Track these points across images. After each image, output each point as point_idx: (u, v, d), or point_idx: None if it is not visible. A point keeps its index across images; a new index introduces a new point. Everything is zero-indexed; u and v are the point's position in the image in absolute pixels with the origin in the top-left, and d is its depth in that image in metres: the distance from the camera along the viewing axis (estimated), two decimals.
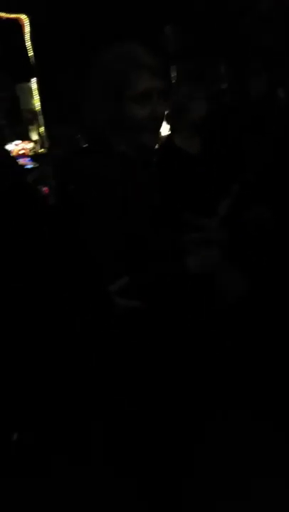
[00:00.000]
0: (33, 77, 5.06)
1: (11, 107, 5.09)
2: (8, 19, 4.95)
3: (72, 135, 4.67)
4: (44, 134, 5.02)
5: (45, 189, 4.24)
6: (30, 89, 5.06)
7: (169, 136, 2.09)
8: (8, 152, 3.09)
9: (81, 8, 4.94)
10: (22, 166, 4.04)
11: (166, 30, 4.77)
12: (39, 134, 5.08)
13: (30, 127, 5.22)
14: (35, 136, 5.16)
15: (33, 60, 5.06)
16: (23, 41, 5.04)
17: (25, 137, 5.01)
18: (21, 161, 4.50)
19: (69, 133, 4.64)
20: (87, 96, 1.04)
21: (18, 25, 5.02)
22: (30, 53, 5.05)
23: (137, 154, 1.03)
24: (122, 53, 0.98)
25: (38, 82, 5.08)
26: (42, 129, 5.03)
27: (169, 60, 4.63)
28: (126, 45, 0.98)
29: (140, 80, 0.95)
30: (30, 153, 4.72)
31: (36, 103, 5.08)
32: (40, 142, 5.04)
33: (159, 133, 1.03)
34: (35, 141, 5.01)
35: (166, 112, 1.07)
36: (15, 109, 5.05)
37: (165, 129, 4.46)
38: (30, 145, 4.88)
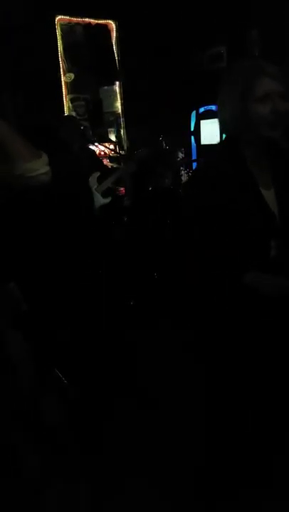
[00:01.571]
0: (117, 80, 5.21)
1: (94, 110, 5.28)
2: (97, 24, 5.15)
3: (150, 137, 4.75)
4: (124, 136, 5.15)
5: (121, 189, 4.34)
6: (113, 93, 5.22)
7: None
8: (90, 150, 3.15)
9: (166, 16, 5.02)
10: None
11: (252, 34, 4.70)
12: (120, 136, 5.22)
13: (110, 129, 5.38)
14: (114, 138, 5.30)
15: (118, 64, 5.21)
16: (110, 46, 5.20)
17: (107, 139, 5.17)
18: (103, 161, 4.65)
19: (147, 135, 4.73)
20: (220, 101, 1.28)
21: (106, 30, 5.20)
22: (116, 58, 5.21)
23: (263, 146, 1.24)
24: (247, 65, 1.23)
25: (121, 86, 5.22)
26: (122, 131, 5.16)
27: None
28: (251, 59, 1.38)
29: (261, 84, 1.18)
30: (110, 154, 4.86)
31: (118, 106, 5.23)
32: (120, 144, 5.18)
33: (282, 128, 1.21)
34: (115, 143, 5.15)
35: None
36: (97, 112, 5.22)
37: None
38: (111, 146, 5.02)
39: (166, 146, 4.42)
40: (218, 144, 1.34)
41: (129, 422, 1.92)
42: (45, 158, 1.25)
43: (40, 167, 1.23)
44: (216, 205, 1.23)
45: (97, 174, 3.24)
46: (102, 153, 4.92)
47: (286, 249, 1.28)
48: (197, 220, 1.27)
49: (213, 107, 4.65)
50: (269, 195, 1.28)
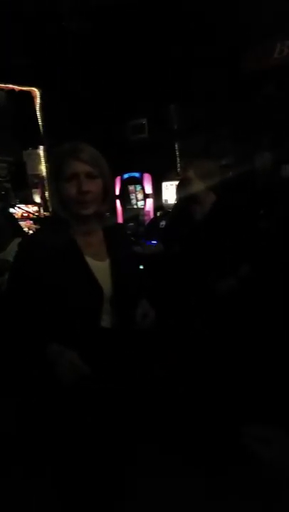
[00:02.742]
0: (40, 144, 5.23)
1: (16, 172, 5.21)
2: (20, 91, 5.21)
3: None
4: (48, 198, 5.09)
5: None
6: (37, 156, 5.21)
7: None
8: (11, 214, 3.09)
9: (88, 83, 5.25)
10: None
11: (171, 107, 5.04)
12: (43, 198, 5.15)
13: (34, 190, 5.31)
14: (38, 200, 5.22)
15: (41, 128, 5.26)
16: (34, 111, 5.27)
17: (30, 201, 5.07)
18: (25, 223, 4.51)
19: None
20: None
21: (29, 97, 5.27)
22: (40, 123, 5.26)
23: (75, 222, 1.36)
24: (61, 148, 1.33)
25: (45, 150, 5.24)
26: (47, 193, 5.11)
27: (174, 136, 4.86)
28: (69, 143, 1.33)
29: (69, 165, 1.28)
30: (33, 216, 4.74)
31: (43, 169, 5.21)
32: (44, 205, 5.10)
33: (88, 204, 1.31)
34: (38, 205, 5.06)
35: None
36: (21, 174, 5.15)
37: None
38: (35, 208, 4.92)
39: None
40: (50, 216, 1.43)
41: None
42: None
43: None
44: (41, 278, 1.26)
45: (19, 240, 3.11)
46: (25, 215, 4.80)
47: (118, 318, 1.35)
48: (20, 293, 1.29)
49: (136, 174, 4.81)
50: (103, 266, 1.34)
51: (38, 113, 5.31)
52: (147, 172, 4.74)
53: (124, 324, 1.34)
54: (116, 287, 1.33)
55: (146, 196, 4.76)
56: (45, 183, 5.20)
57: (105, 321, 1.30)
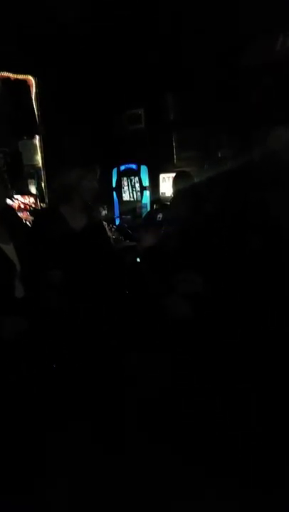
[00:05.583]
0: (37, 134, 5.17)
1: (12, 162, 5.16)
2: (16, 79, 5.13)
3: None
4: (45, 189, 5.07)
5: None
6: (33, 146, 5.16)
7: None
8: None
9: (85, 72, 5.18)
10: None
11: (168, 98, 5.00)
12: (40, 189, 5.12)
13: (30, 180, 5.27)
14: (34, 191, 5.19)
15: (38, 118, 5.19)
16: (30, 101, 5.19)
17: (27, 192, 5.04)
18: (22, 215, 4.50)
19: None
20: None
21: (25, 85, 5.19)
22: (36, 112, 5.20)
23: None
24: None
25: (42, 140, 5.19)
26: (43, 184, 5.08)
27: (170, 128, 4.82)
28: None
29: None
30: (30, 208, 4.73)
31: (39, 159, 5.16)
32: (41, 196, 5.07)
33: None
34: (35, 196, 5.04)
35: None
36: (17, 165, 5.10)
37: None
38: (31, 199, 4.90)
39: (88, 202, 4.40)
40: None
41: None
42: None
43: None
44: None
45: None
46: (22, 206, 4.78)
47: (28, 289, 1.80)
48: None
49: (133, 166, 4.80)
50: (9, 249, 1.80)
51: (34, 102, 5.23)
52: (144, 163, 4.72)
53: (31, 292, 1.84)
54: (23, 265, 1.82)
55: (143, 188, 4.75)
56: (42, 173, 5.17)
57: (18, 290, 1.80)
